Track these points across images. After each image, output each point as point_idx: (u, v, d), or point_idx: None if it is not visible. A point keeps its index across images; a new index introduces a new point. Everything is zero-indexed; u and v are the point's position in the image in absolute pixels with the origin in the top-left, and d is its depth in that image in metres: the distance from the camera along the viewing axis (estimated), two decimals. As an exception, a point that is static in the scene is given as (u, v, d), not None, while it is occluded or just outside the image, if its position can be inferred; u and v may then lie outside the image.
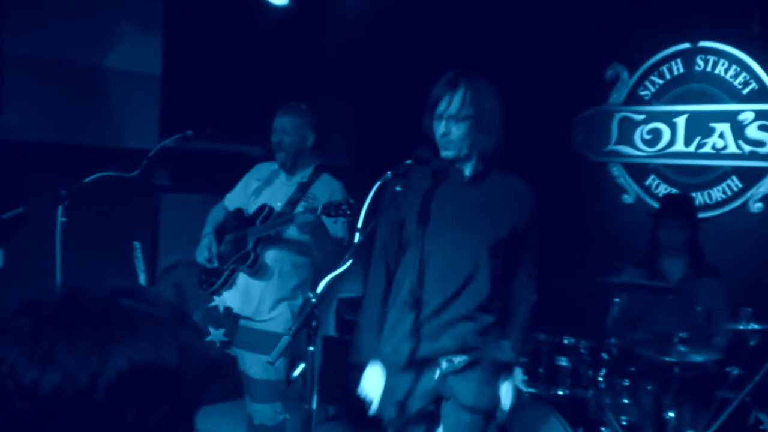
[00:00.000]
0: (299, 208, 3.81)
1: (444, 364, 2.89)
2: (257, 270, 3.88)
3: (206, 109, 5.25)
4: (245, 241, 3.94)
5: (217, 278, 4.01)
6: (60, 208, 3.33)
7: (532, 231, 2.95)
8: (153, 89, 5.31)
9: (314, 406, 2.32)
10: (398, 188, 2.69)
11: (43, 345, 0.90)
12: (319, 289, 2.35)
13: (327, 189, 3.92)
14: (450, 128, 2.82)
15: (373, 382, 2.94)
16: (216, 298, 4.05)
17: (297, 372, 2.53)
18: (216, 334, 3.99)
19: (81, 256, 3.94)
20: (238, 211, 4.11)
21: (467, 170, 2.93)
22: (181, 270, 5.65)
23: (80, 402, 0.89)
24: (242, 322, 3.97)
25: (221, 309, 4.02)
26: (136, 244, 4.64)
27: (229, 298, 4.01)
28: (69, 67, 4.90)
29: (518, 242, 2.93)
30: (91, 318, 0.94)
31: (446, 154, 2.87)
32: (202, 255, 4.04)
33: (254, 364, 3.87)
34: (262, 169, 4.17)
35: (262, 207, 3.98)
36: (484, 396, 2.91)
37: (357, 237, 2.50)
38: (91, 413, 0.90)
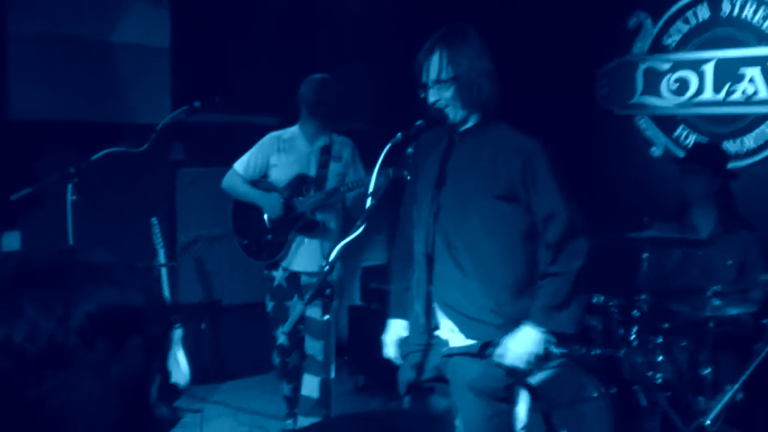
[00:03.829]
0: (333, 170, 4.32)
1: (449, 342, 2.88)
2: (324, 233, 4.36)
3: (219, 81, 5.23)
4: (295, 209, 4.33)
5: (278, 249, 4.38)
6: (70, 187, 3.34)
7: (541, 186, 2.83)
8: (163, 63, 5.30)
9: (332, 375, 2.31)
10: (410, 150, 2.65)
11: (7, 302, 0.98)
12: (332, 256, 2.32)
13: (346, 147, 4.40)
14: (437, 94, 2.82)
15: (389, 335, 3.06)
16: (275, 274, 4.42)
17: (317, 346, 2.52)
18: (294, 307, 4.39)
19: (98, 235, 3.97)
20: (268, 183, 4.41)
21: (463, 126, 2.91)
22: (201, 245, 5.67)
23: (55, 346, 0.97)
24: (305, 279, 4.38)
25: (283, 280, 4.41)
26: (154, 221, 4.67)
27: (294, 263, 4.38)
28: (76, 43, 4.90)
29: (525, 200, 2.84)
30: (51, 272, 1.02)
31: (447, 120, 2.86)
32: (275, 211, 4.36)
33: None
34: (278, 139, 4.43)
35: (300, 176, 4.35)
36: (488, 378, 2.85)
37: (369, 202, 2.47)
38: (68, 354, 0.97)
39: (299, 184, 4.35)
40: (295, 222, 4.37)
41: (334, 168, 4.35)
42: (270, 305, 4.48)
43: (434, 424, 1.00)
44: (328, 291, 2.25)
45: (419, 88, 2.88)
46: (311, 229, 4.36)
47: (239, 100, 5.21)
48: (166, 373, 1.10)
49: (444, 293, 2.88)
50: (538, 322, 2.79)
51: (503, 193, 2.82)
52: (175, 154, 5.45)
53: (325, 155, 4.35)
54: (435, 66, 2.81)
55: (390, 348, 3.06)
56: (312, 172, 4.36)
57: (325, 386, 3.57)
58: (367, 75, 6.16)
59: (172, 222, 5.53)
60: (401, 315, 3.04)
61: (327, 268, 2.26)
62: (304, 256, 4.39)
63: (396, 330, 3.06)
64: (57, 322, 0.97)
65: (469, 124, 2.90)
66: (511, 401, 3.02)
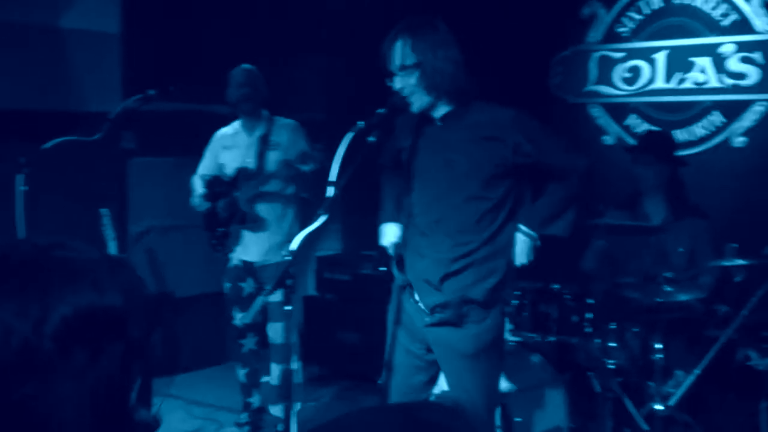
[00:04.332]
0: (270, 158, 4.36)
1: (431, 313, 2.95)
2: (256, 224, 4.44)
3: (170, 69, 5.18)
4: (236, 203, 4.44)
5: (226, 242, 4.55)
6: (19, 177, 3.31)
7: (542, 146, 2.95)
8: (113, 49, 5.24)
9: (294, 366, 2.34)
10: (373, 138, 2.69)
11: None
12: (294, 246, 2.35)
13: (284, 131, 4.44)
14: (402, 81, 2.87)
15: (386, 236, 3.14)
16: (232, 257, 4.58)
17: (277, 333, 2.55)
18: (249, 287, 4.54)
19: (47, 226, 3.92)
20: (219, 179, 4.53)
21: (438, 113, 2.97)
22: (153, 236, 5.65)
23: (29, 350, 0.94)
24: (258, 265, 4.52)
25: (239, 262, 4.56)
26: (104, 212, 4.63)
27: (242, 253, 4.53)
28: (22, 29, 4.81)
29: (531, 165, 2.95)
30: (25, 271, 0.98)
31: (412, 108, 2.91)
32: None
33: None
34: (224, 136, 4.59)
35: (241, 170, 4.43)
36: (472, 341, 2.93)
37: (331, 191, 2.51)
38: (42, 359, 0.94)
39: (241, 177, 4.44)
40: (235, 215, 4.47)
41: (273, 156, 4.41)
42: (226, 286, 4.58)
43: (458, 416, 1.01)
44: (289, 281, 2.28)
45: (386, 76, 2.91)
46: (247, 221, 4.45)
47: (192, 89, 5.17)
48: (147, 376, 1.10)
49: (421, 269, 2.98)
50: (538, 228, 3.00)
51: (490, 174, 2.89)
52: (127, 144, 5.41)
53: (263, 144, 4.43)
54: (398, 53, 2.85)
55: (392, 249, 3.14)
56: (252, 164, 4.44)
57: (285, 375, 3.62)
58: (324, 64, 6.17)
59: (124, 213, 5.49)
60: (393, 218, 3.15)
61: (289, 257, 2.29)
62: (251, 248, 4.51)
63: (390, 232, 3.14)
64: (32, 326, 0.94)
65: (442, 110, 2.95)
66: (497, 357, 3.10)
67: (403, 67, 2.85)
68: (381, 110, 2.79)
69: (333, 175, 2.51)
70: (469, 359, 2.94)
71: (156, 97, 3.88)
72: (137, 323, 1.03)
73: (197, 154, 4.67)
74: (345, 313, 5.62)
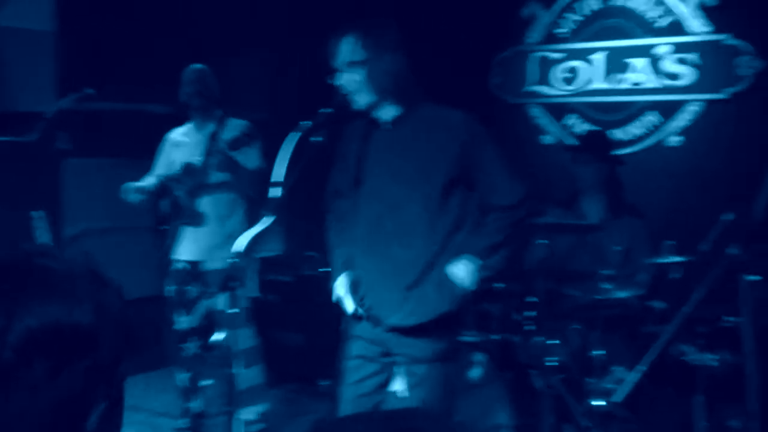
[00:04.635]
0: (218, 155, 4.32)
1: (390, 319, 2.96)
2: (195, 219, 4.42)
3: (106, 68, 5.12)
4: (178, 198, 4.45)
5: (168, 239, 4.51)
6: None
7: (485, 154, 2.94)
8: (46, 47, 5.14)
9: (240, 369, 2.34)
10: (319, 138, 2.68)
11: None
12: (240, 248, 2.35)
13: (234, 129, 4.34)
14: (347, 77, 2.87)
15: (339, 288, 3.05)
16: (176, 258, 4.51)
17: (218, 337, 2.55)
18: (194, 290, 4.49)
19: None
20: (167, 177, 4.50)
21: (385, 116, 2.97)
22: (89, 239, 5.56)
23: None
24: (204, 266, 4.47)
25: (183, 266, 4.50)
26: (38, 214, 4.56)
27: (183, 253, 4.49)
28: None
29: (471, 171, 2.93)
30: (2, 277, 0.97)
31: (356, 106, 2.90)
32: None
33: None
34: (175, 135, 4.60)
35: (186, 167, 4.44)
36: (428, 345, 2.94)
37: (276, 191, 2.50)
38: (2, 368, 0.93)
39: (185, 173, 4.44)
40: (176, 211, 4.48)
41: (219, 153, 4.38)
42: (170, 289, 4.54)
43: (447, 424, 1.01)
44: (234, 284, 2.28)
45: (329, 73, 2.90)
46: (186, 217, 4.45)
47: (129, 88, 5.12)
48: (114, 403, 1.03)
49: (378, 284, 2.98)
50: (475, 258, 2.92)
51: (442, 176, 2.89)
52: (62, 144, 5.31)
53: (212, 142, 4.42)
54: (347, 48, 2.85)
55: (347, 298, 3.05)
56: (199, 160, 4.43)
57: (228, 380, 3.60)
58: (266, 63, 6.15)
59: (58, 215, 5.39)
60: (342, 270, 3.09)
61: (235, 260, 2.29)
62: (191, 245, 4.49)
63: (343, 283, 3.06)
64: None
65: (392, 112, 2.96)
66: (454, 359, 3.11)
67: (351, 63, 2.85)
68: (326, 110, 2.78)
69: (278, 175, 2.50)
70: (428, 364, 2.94)
71: (93, 96, 3.83)
72: (107, 345, 1.00)
73: (134, 155, 4.64)
74: (288, 314, 5.61)
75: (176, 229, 4.50)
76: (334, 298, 3.08)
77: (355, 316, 3.03)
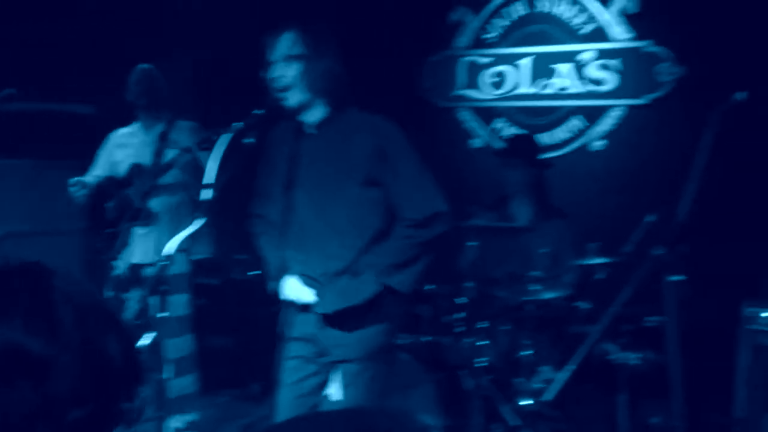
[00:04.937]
0: (168, 156, 4.26)
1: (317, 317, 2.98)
2: (150, 221, 4.34)
3: (27, 67, 5.01)
4: (129, 200, 4.35)
5: (114, 242, 4.41)
6: None
7: (400, 162, 2.94)
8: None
9: (170, 374, 2.34)
10: (251, 140, 2.68)
11: None
12: (169, 250, 2.34)
13: (186, 131, 4.35)
14: (282, 71, 2.86)
15: (290, 289, 3.01)
16: (118, 263, 4.41)
17: (146, 341, 2.54)
18: (134, 299, 4.35)
19: None
20: (111, 178, 4.43)
21: (312, 118, 2.98)
22: (10, 243, 5.43)
23: None
24: (148, 270, 4.39)
25: (125, 271, 4.39)
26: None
27: (131, 255, 4.40)
28: None
29: (385, 178, 2.93)
30: None
31: (287, 103, 2.89)
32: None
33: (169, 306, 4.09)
34: (120, 135, 4.54)
35: (134, 167, 4.38)
36: (361, 343, 2.97)
37: (207, 193, 2.49)
38: None
39: (134, 174, 4.38)
40: (126, 213, 4.39)
41: (170, 154, 4.34)
42: (108, 295, 4.40)
43: (406, 422, 1.02)
44: (163, 288, 2.27)
45: (260, 74, 2.90)
46: (140, 218, 4.37)
47: (51, 88, 5.03)
48: None
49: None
50: (379, 276, 2.91)
51: (364, 179, 2.90)
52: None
53: (161, 142, 4.39)
54: (286, 42, 2.85)
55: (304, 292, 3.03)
56: (147, 161, 4.38)
57: (158, 386, 3.55)
58: (195, 65, 6.11)
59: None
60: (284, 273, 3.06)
61: (165, 262, 2.29)
62: (141, 247, 4.41)
63: (295, 283, 3.03)
64: None
65: (319, 114, 2.97)
66: (386, 360, 3.12)
67: (288, 57, 2.84)
68: (259, 111, 2.78)
69: (210, 177, 2.49)
70: (360, 364, 2.96)
71: (14, 96, 3.76)
72: (61, 378, 0.93)
73: (56, 156, 4.55)
74: (217, 318, 5.57)
75: (126, 231, 4.41)
76: (285, 298, 3.07)
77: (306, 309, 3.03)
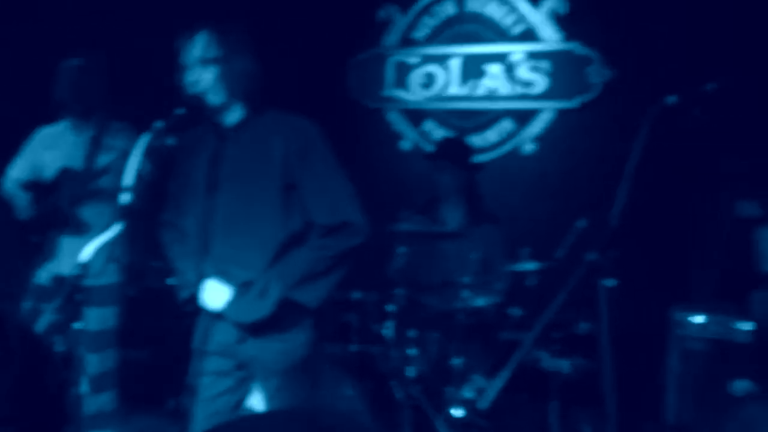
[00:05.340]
0: (102, 161, 4.03)
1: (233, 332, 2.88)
2: (80, 229, 4.03)
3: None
4: (57, 207, 4.07)
5: (40, 251, 4.13)
6: None
7: (316, 165, 2.88)
8: None
9: (83, 389, 2.21)
10: (170, 141, 2.59)
11: None
12: (85, 258, 2.22)
13: (120, 134, 4.10)
14: (198, 74, 2.79)
15: (209, 294, 2.88)
16: (41, 272, 4.12)
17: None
18: (48, 311, 4.01)
19: None
20: (35, 184, 4.16)
21: (229, 120, 2.90)
22: None
23: None
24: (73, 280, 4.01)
25: (48, 281, 4.07)
26: None
27: (58, 266, 4.07)
28: None
29: (299, 181, 2.86)
30: None
31: (204, 104, 2.81)
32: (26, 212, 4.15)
33: (93, 318, 3.85)
34: (46, 135, 4.23)
35: (63, 170, 4.08)
36: (280, 356, 2.89)
37: (126, 197, 2.38)
38: None
39: (64, 178, 4.09)
40: (53, 220, 4.12)
41: (104, 159, 4.07)
42: (26, 305, 4.10)
43: (355, 422, 1.01)
44: (78, 296, 2.15)
45: (179, 74, 2.81)
46: (69, 225, 4.09)
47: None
48: None
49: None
50: (285, 289, 2.81)
51: (282, 182, 2.83)
52: None
53: (94, 145, 4.11)
54: (200, 44, 2.78)
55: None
56: (79, 164, 4.09)
57: (73, 399, 3.40)
58: (109, 64, 5.91)
59: None
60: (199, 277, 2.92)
61: (78, 271, 2.16)
62: (70, 258, 4.08)
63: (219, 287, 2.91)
64: None
65: (236, 116, 2.89)
66: (309, 371, 3.04)
67: (204, 60, 2.77)
68: (179, 111, 2.69)
69: (128, 180, 2.38)
70: (281, 376, 2.89)
71: None
72: None
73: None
74: (131, 329, 5.38)
75: (53, 240, 4.12)
76: (201, 306, 2.94)
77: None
